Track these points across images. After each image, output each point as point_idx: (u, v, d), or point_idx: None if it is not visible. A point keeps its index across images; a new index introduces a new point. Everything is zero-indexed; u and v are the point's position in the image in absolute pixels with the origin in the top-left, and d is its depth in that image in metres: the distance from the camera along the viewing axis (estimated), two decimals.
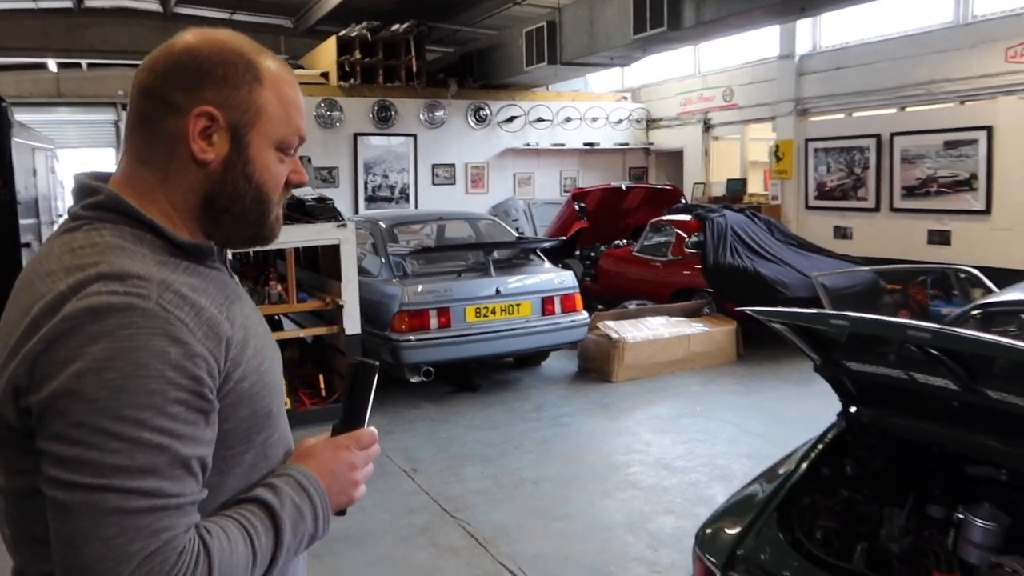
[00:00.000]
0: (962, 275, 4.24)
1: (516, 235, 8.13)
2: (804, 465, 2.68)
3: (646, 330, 7.09)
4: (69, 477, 0.92)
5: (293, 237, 5.70)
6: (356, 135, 12.00)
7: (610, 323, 7.15)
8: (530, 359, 7.40)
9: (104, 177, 1.14)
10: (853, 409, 2.72)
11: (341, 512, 1.17)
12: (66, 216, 1.13)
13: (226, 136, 1.10)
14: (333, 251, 5.98)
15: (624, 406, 6.19)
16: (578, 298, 6.83)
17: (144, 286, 0.98)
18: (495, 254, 6.77)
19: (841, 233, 9.76)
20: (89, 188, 1.11)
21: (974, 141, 8.23)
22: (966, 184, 8.36)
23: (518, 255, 7.19)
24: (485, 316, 6.43)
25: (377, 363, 1.23)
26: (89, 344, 0.94)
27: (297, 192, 5.82)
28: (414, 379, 6.17)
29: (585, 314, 6.88)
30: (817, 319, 2.47)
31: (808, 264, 7.57)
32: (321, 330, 6.31)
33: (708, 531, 2.66)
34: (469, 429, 5.74)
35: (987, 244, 8.00)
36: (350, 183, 12.02)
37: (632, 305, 7.92)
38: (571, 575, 3.59)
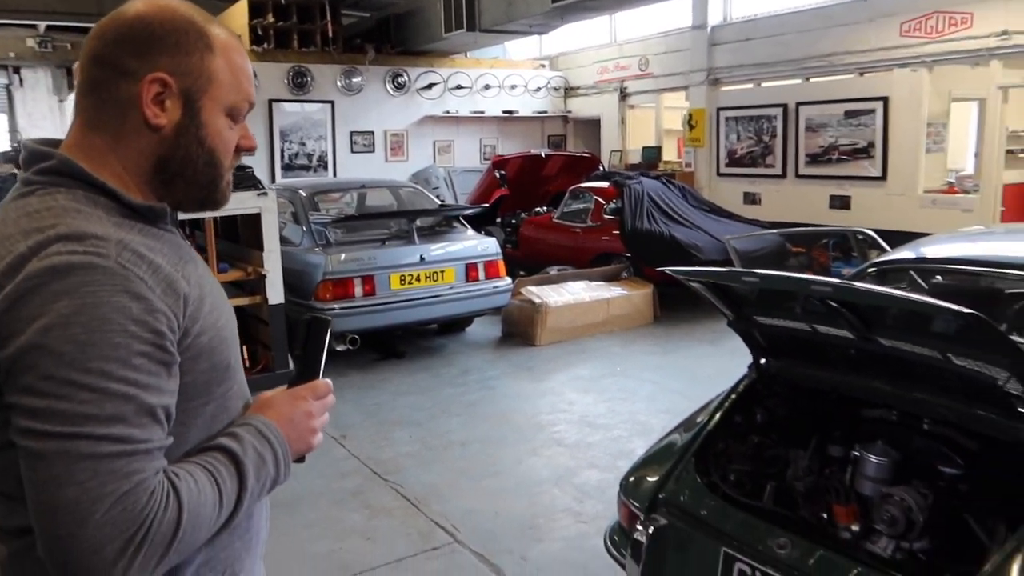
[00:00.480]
0: (860, 237, 4.55)
1: (438, 203, 8.16)
2: (718, 414, 2.88)
3: (567, 295, 7.28)
4: (41, 427, 0.96)
5: None
6: (271, 101, 11.71)
7: (532, 288, 7.30)
8: (455, 325, 7.49)
9: (54, 143, 1.17)
10: (763, 361, 2.93)
11: (300, 459, 1.24)
12: (18, 183, 1.15)
13: (179, 102, 1.14)
14: (254, 220, 5.88)
15: (548, 368, 6.37)
16: (501, 264, 6.95)
17: (103, 246, 1.02)
18: (418, 222, 6.80)
19: (751, 199, 10.16)
20: (40, 153, 1.13)
21: (872, 111, 8.69)
22: (864, 152, 8.83)
23: (441, 222, 7.23)
24: (409, 283, 6.48)
25: (330, 319, 1.30)
26: (53, 301, 0.98)
27: None
28: (340, 348, 6.18)
29: (508, 280, 7.01)
30: (730, 277, 2.64)
31: (720, 228, 7.88)
32: (244, 301, 6.21)
33: (631, 479, 2.83)
34: (397, 395, 5.81)
35: (883, 208, 8.49)
36: (266, 151, 11.75)
37: (553, 271, 8.10)
38: (502, 528, 3.74)
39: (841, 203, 9.05)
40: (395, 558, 3.50)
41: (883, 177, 8.64)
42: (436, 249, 6.69)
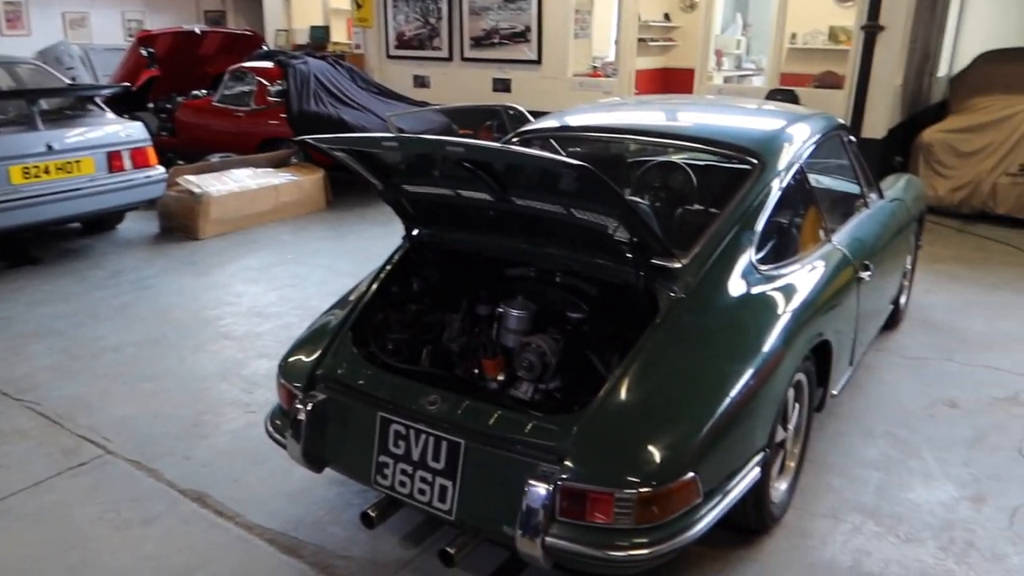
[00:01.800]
0: (511, 112, 4.76)
1: (68, 83, 7.04)
2: (374, 287, 2.89)
3: (231, 183, 6.80)
4: None
5: None
6: None
7: (191, 178, 6.70)
8: (102, 222, 6.66)
9: None
10: (415, 231, 2.98)
11: None
12: None
13: None
14: None
15: (213, 261, 5.97)
16: (151, 152, 6.24)
17: None
18: (42, 104, 5.82)
19: (420, 82, 10.19)
20: None
21: None
22: (522, 36, 9.22)
23: (73, 105, 6.27)
24: (36, 176, 5.57)
25: None
26: None
27: None
28: None
29: (161, 169, 6.34)
30: (370, 142, 2.60)
31: (389, 111, 7.82)
32: None
33: (289, 360, 2.77)
34: (32, 305, 5.07)
35: (539, 91, 9.02)
36: None
37: (215, 158, 7.49)
38: (162, 431, 3.49)
39: (503, 86, 9.44)
40: (32, 482, 3.11)
41: (538, 61, 9.12)
42: (68, 136, 5.79)
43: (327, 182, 7.54)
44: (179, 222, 6.62)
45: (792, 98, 7.24)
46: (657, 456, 2.09)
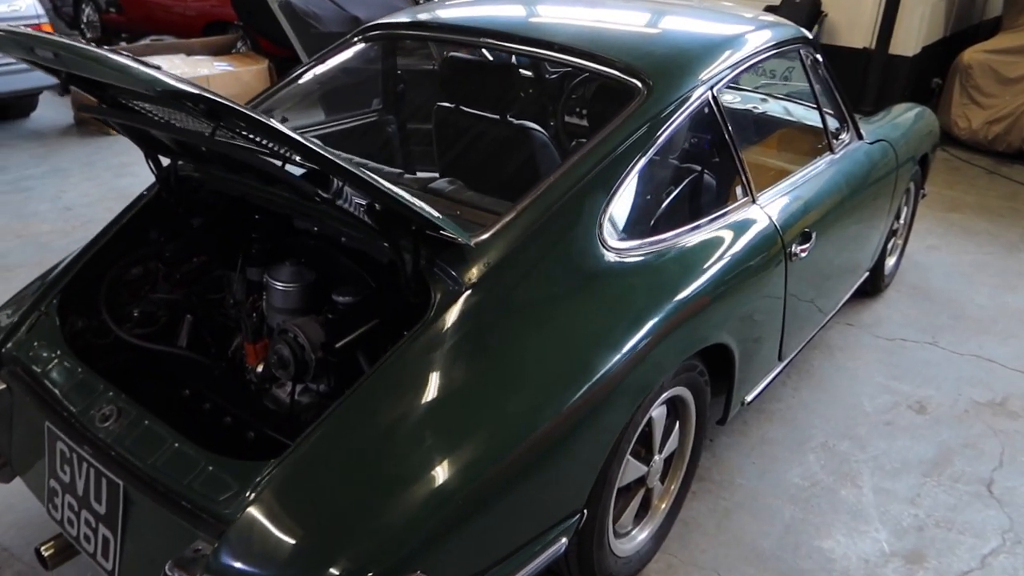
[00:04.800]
0: None
1: None
2: (106, 238, 2.15)
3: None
4: None
5: None
6: None
7: None
8: (8, 108, 5.96)
9: None
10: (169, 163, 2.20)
11: None
12: None
13: None
14: None
15: (115, 163, 5.25)
16: (47, 29, 5.45)
17: None
18: None
19: None
20: None
21: None
22: None
23: None
24: None
25: None
26: None
27: None
28: None
29: None
30: (33, 41, 1.78)
31: None
32: None
33: None
34: None
35: None
36: None
37: (146, 41, 6.67)
38: None
39: None
40: None
41: None
42: None
43: (273, 73, 6.68)
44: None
45: None
46: (350, 552, 1.36)
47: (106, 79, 1.50)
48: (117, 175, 5.04)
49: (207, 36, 6.93)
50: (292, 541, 1.37)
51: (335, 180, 1.53)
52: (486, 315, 1.63)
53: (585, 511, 1.73)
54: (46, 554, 1.84)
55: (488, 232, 1.70)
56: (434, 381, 1.55)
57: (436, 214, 1.55)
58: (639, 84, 2.01)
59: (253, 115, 1.38)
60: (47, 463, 1.78)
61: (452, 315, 1.60)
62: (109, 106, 1.93)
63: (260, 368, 2.00)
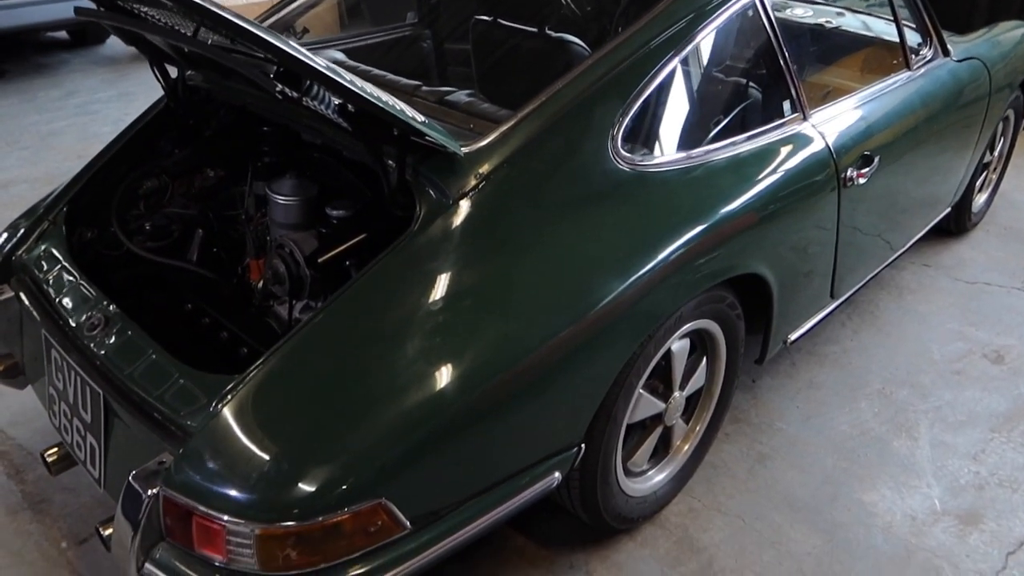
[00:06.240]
0: None
1: None
2: (117, 147, 2.11)
3: None
4: None
5: None
6: None
7: None
8: (86, 35, 6.07)
9: None
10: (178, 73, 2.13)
11: None
12: None
13: None
14: None
15: None
16: None
17: None
18: None
19: None
20: None
21: None
22: None
23: None
24: None
25: None
26: None
27: None
28: None
29: None
30: None
31: None
32: None
33: None
34: None
35: None
36: None
37: None
38: None
39: None
40: None
41: None
42: None
43: None
44: None
45: None
46: (310, 471, 1.28)
47: None
48: None
49: None
50: (250, 458, 1.30)
51: (307, 80, 1.41)
52: (475, 231, 1.50)
53: (583, 445, 1.61)
54: (50, 460, 1.85)
55: (483, 141, 1.55)
56: (413, 299, 1.43)
57: (420, 118, 1.41)
58: None
59: (215, 9, 1.27)
60: (46, 370, 1.78)
61: (436, 229, 1.48)
62: (107, 8, 1.86)
63: (261, 284, 1.94)
